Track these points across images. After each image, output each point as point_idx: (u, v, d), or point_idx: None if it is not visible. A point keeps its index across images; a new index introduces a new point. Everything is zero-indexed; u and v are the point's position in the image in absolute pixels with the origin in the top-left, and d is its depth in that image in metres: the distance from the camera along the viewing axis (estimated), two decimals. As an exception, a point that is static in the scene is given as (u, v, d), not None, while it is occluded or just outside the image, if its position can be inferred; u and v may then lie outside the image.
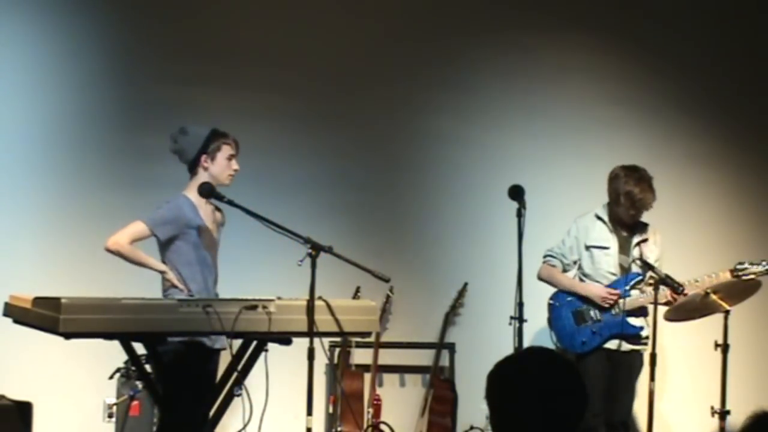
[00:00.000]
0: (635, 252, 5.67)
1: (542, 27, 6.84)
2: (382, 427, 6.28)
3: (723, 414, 5.40)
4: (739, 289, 5.49)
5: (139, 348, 4.58)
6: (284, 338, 4.65)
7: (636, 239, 5.70)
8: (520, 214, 5.29)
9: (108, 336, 4.34)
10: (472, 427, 6.20)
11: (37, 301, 4.33)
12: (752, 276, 5.51)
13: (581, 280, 5.75)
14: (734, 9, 7.04)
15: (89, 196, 6.31)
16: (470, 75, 6.77)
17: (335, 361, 6.35)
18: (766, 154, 7.05)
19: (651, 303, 5.40)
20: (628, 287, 5.60)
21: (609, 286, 5.63)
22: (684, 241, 6.76)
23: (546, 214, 6.17)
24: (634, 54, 6.94)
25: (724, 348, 5.43)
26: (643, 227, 5.76)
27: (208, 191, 4.79)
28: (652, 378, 5.40)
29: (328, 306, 4.59)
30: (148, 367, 4.70)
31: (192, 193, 4.91)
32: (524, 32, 6.82)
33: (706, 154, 6.98)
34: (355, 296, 6.08)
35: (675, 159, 6.93)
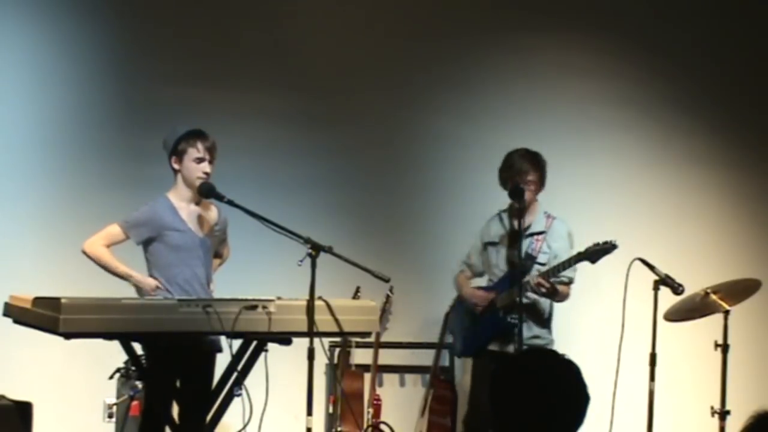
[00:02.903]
0: (525, 244, 5.48)
1: (542, 27, 6.84)
2: (382, 427, 6.28)
3: (723, 414, 5.40)
4: (739, 289, 5.49)
5: (139, 348, 4.58)
6: (284, 338, 4.65)
7: (529, 231, 5.51)
8: (520, 215, 5.29)
9: (108, 336, 4.34)
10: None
11: (37, 301, 4.33)
12: (595, 257, 5.29)
13: (490, 280, 5.65)
14: (734, 9, 7.05)
15: (89, 196, 6.30)
16: (470, 75, 6.77)
17: (335, 361, 6.35)
18: (766, 154, 7.05)
19: (518, 297, 5.28)
20: (510, 284, 5.41)
21: (495, 283, 5.51)
22: (684, 242, 6.76)
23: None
24: (634, 54, 6.94)
25: (724, 348, 5.42)
26: (543, 220, 5.57)
27: (207, 191, 4.79)
28: (652, 378, 5.40)
29: (328, 306, 4.59)
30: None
31: (173, 194, 4.89)
32: (524, 33, 6.82)
33: (706, 154, 6.98)
34: (355, 296, 6.08)
35: (675, 159, 6.93)
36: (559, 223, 5.58)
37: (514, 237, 5.49)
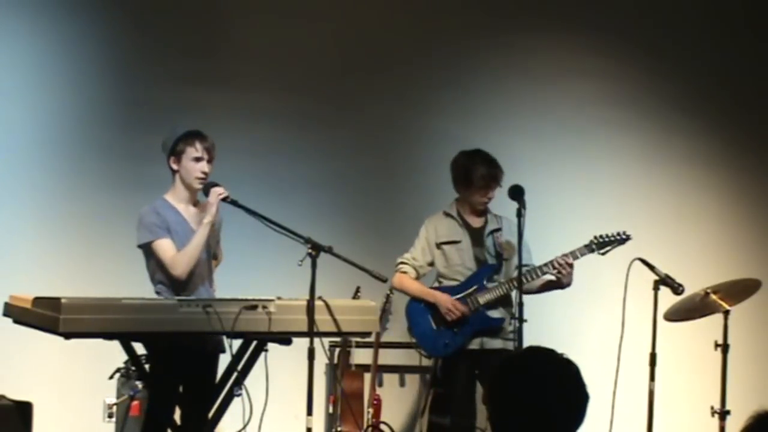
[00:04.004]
0: (488, 242, 5.51)
1: (542, 28, 6.84)
2: (382, 427, 6.28)
3: (723, 414, 5.40)
4: (739, 289, 5.49)
5: (139, 348, 4.58)
6: (284, 338, 4.65)
7: (488, 229, 5.53)
8: (520, 214, 5.29)
9: (108, 336, 4.34)
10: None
11: (37, 301, 4.33)
12: (605, 246, 5.38)
13: (439, 282, 5.59)
14: (734, 10, 7.05)
15: (89, 195, 6.31)
16: (471, 76, 6.77)
17: (335, 361, 6.35)
18: (766, 154, 7.05)
19: (506, 293, 5.39)
20: (485, 280, 5.44)
21: (464, 282, 5.46)
22: (684, 242, 6.76)
23: (546, 214, 6.17)
24: (633, 54, 6.94)
25: (724, 348, 5.42)
26: (493, 218, 5.59)
27: (210, 187, 4.78)
28: (652, 378, 5.40)
29: (328, 306, 4.59)
30: (148, 367, 4.69)
31: (171, 196, 4.85)
32: (524, 34, 6.83)
33: (706, 154, 6.99)
34: (355, 296, 6.08)
35: (674, 159, 6.93)
36: (506, 219, 5.57)
37: (478, 236, 5.51)
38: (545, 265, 5.38)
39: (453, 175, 5.58)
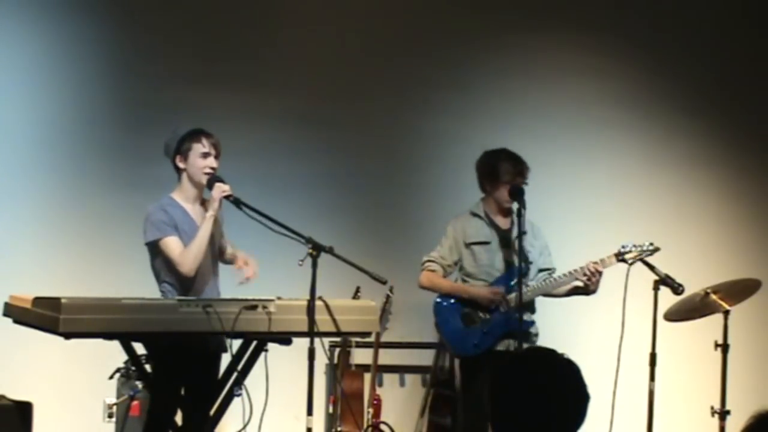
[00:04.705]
0: (516, 245, 5.46)
1: (542, 28, 6.84)
2: (382, 427, 6.28)
3: (723, 414, 5.40)
4: (739, 289, 5.49)
5: (140, 348, 4.58)
6: (284, 338, 4.65)
7: (515, 232, 5.47)
8: (520, 214, 5.29)
9: (108, 336, 4.34)
10: (472, 427, 6.20)
11: (37, 301, 4.33)
12: (635, 256, 5.37)
13: (464, 281, 5.57)
14: (734, 9, 7.05)
15: (89, 196, 6.31)
16: (471, 76, 6.77)
17: (335, 361, 6.35)
18: (766, 154, 7.05)
19: (536, 296, 5.41)
20: (514, 282, 5.41)
21: (492, 283, 5.45)
22: (684, 242, 6.76)
23: (546, 214, 6.17)
24: (633, 54, 6.94)
25: (724, 348, 5.43)
26: (519, 219, 5.51)
27: (214, 180, 4.79)
28: (652, 378, 5.40)
29: (328, 306, 4.59)
30: (148, 367, 4.69)
31: (178, 195, 4.87)
32: (524, 33, 6.82)
33: (706, 154, 6.98)
34: (355, 296, 6.08)
35: (675, 159, 6.93)
36: (531, 222, 5.55)
37: (507, 237, 5.50)
38: (575, 270, 5.39)
39: (479, 174, 5.58)
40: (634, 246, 5.44)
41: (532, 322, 5.51)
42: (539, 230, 5.63)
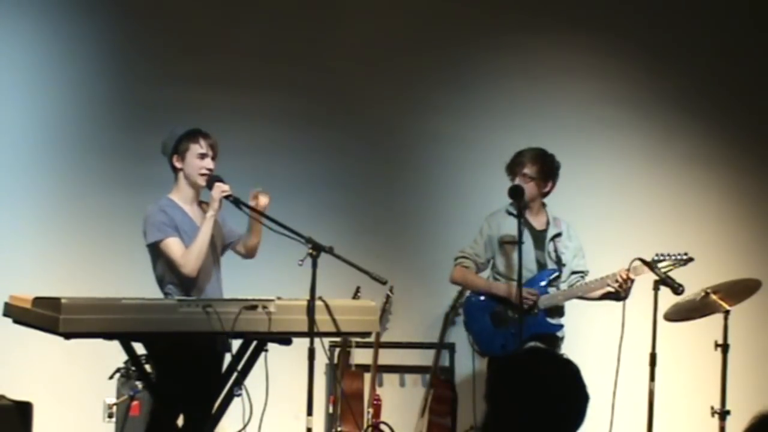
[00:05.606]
0: (550, 247, 5.50)
1: (542, 28, 6.84)
2: (382, 427, 6.28)
3: (723, 414, 5.40)
4: (739, 289, 5.49)
5: (139, 348, 4.58)
6: (284, 338, 4.65)
7: (550, 233, 5.51)
8: (520, 214, 5.29)
9: (108, 336, 4.33)
10: (471, 427, 6.20)
11: (37, 301, 4.33)
12: (670, 267, 5.34)
13: (495, 279, 5.55)
14: (734, 9, 7.04)
15: (89, 196, 6.31)
16: (471, 76, 6.77)
17: (335, 361, 6.36)
18: (766, 154, 7.05)
19: (566, 300, 5.41)
20: (544, 284, 5.43)
21: (524, 284, 5.35)
22: (684, 242, 6.75)
23: (546, 214, 6.16)
24: (633, 54, 6.94)
25: (724, 348, 5.43)
26: (554, 220, 5.58)
27: (214, 180, 4.78)
28: (652, 378, 5.40)
29: (328, 306, 4.59)
30: (148, 367, 4.69)
31: (176, 195, 4.87)
32: (524, 33, 6.82)
33: (706, 154, 6.98)
34: (355, 296, 6.08)
35: (675, 159, 6.93)
36: (566, 223, 5.60)
37: (540, 238, 5.51)
38: (608, 276, 5.38)
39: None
40: (669, 255, 5.41)
41: (561, 326, 5.51)
42: (574, 232, 5.61)
